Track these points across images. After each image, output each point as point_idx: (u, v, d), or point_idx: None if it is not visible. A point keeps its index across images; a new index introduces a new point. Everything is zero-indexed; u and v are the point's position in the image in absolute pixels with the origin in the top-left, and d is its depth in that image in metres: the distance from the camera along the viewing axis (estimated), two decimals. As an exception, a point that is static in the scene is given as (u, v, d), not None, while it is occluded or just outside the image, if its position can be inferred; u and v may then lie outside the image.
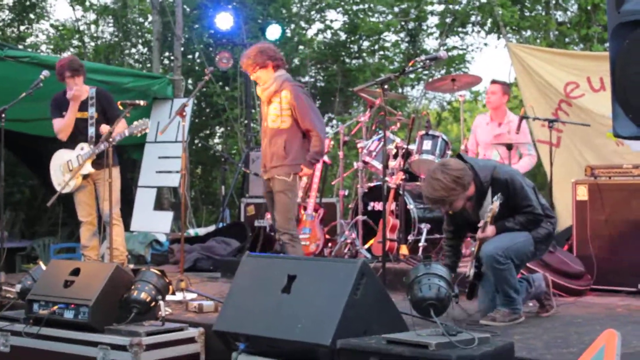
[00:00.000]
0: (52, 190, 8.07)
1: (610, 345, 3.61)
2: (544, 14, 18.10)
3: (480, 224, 5.68)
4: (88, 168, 7.92)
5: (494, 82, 8.86)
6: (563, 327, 5.57)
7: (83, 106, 8.06)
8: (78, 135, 8.08)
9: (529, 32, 18.23)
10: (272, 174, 7.27)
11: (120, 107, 7.58)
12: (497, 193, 5.58)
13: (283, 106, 7.23)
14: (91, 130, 7.99)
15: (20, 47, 19.06)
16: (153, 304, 5.54)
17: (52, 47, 21.43)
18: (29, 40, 21.39)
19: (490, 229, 5.68)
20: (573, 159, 10.15)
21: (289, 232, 7.24)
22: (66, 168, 8.05)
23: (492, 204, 5.50)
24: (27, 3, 20.61)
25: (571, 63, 10.51)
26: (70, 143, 8.10)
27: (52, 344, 5.56)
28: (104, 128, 7.78)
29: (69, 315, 5.51)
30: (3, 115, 7.79)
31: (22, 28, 21.50)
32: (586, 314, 6.19)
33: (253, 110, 14.77)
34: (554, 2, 17.62)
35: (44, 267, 6.27)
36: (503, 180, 5.68)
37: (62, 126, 8.07)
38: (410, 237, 8.41)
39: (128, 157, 12.80)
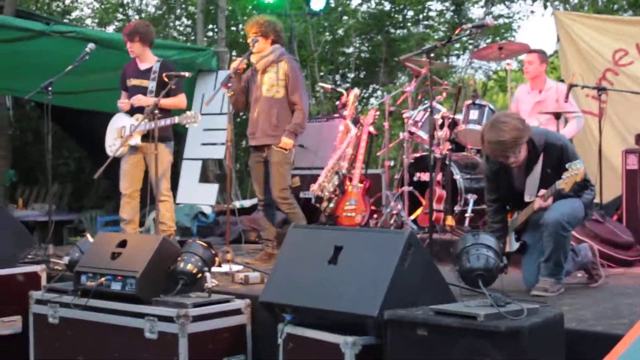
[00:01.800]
0: (99, 162, 8.05)
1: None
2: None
3: (542, 193, 5.56)
4: (136, 140, 7.85)
5: (530, 51, 8.72)
6: (613, 297, 5.49)
7: (145, 75, 8.03)
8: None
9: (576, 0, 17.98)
10: (265, 141, 7.52)
11: (166, 80, 7.54)
12: (552, 159, 5.55)
13: (279, 76, 7.52)
14: None
15: (66, 20, 19.19)
16: (199, 275, 5.54)
17: (97, 21, 21.54)
18: (74, 14, 21.53)
19: (549, 199, 5.57)
20: (615, 130, 9.99)
21: (287, 201, 7.55)
22: (119, 133, 8.02)
23: (574, 169, 5.32)
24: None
25: (620, 29, 10.34)
26: (130, 109, 8.07)
27: (100, 315, 5.60)
28: (142, 100, 7.78)
29: (116, 286, 5.53)
30: (50, 88, 7.83)
31: (67, 2, 21.64)
32: (637, 284, 6.11)
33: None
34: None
35: (91, 239, 6.31)
36: (558, 145, 5.61)
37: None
38: (457, 208, 8.33)
39: (173, 129, 12.83)
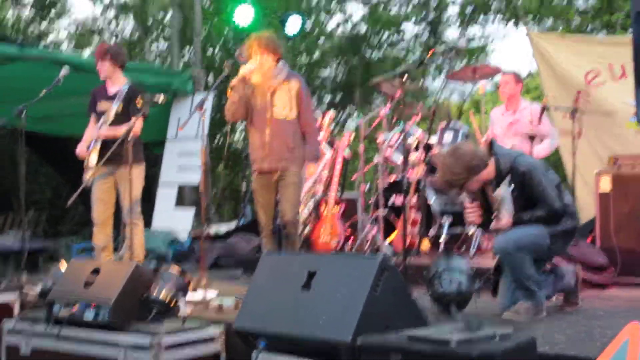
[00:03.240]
0: (75, 188, 7.96)
1: (634, 338, 3.57)
2: (564, 2, 17.98)
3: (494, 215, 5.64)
4: (92, 160, 7.62)
5: (505, 73, 8.79)
6: (586, 320, 5.51)
7: (112, 98, 7.82)
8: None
9: (550, 21, 18.12)
10: (279, 165, 7.04)
11: (137, 102, 7.48)
12: (516, 183, 5.59)
13: (292, 96, 7.05)
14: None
15: (42, 44, 19.16)
16: (173, 302, 5.52)
17: (73, 44, 21.54)
18: (50, 38, 21.51)
19: (505, 221, 5.63)
20: (592, 150, 10.04)
21: (297, 225, 7.18)
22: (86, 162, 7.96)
23: (498, 191, 5.45)
24: (47, 1, 20.72)
25: (592, 50, 10.42)
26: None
27: (73, 345, 5.53)
28: (104, 130, 7.65)
29: (89, 315, 5.48)
30: (24, 113, 7.76)
31: (43, 25, 21.62)
32: (609, 307, 6.14)
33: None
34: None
35: (64, 267, 6.26)
36: (521, 171, 5.63)
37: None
38: (432, 232, 8.35)
39: (149, 152, 12.80)
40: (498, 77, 9.18)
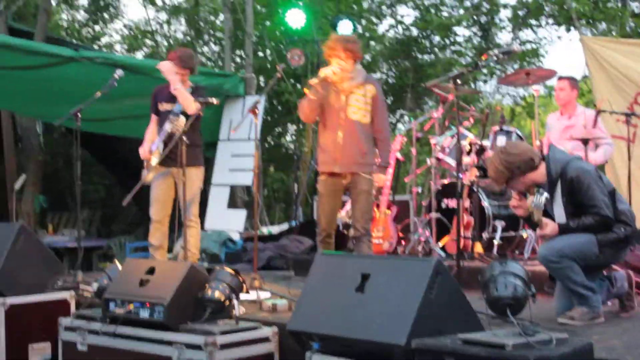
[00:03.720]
0: (128, 188, 8.05)
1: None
2: (619, 5, 17.77)
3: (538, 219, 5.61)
4: (154, 161, 7.78)
5: (561, 78, 8.70)
6: (643, 326, 5.45)
7: (174, 98, 7.88)
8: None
9: (603, 25, 17.92)
10: (351, 169, 6.99)
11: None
12: (566, 188, 5.55)
13: (367, 100, 7.00)
14: (167, 124, 7.88)
15: (95, 47, 19.41)
16: (227, 302, 5.55)
17: (126, 46, 21.77)
18: (103, 40, 21.76)
19: (550, 228, 5.56)
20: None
21: (369, 232, 7.10)
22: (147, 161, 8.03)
23: (533, 198, 5.42)
24: (102, 3, 20.98)
25: (648, 53, 10.31)
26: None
27: (128, 343, 5.60)
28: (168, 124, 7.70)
29: (144, 314, 5.54)
30: (79, 115, 7.88)
31: (96, 28, 21.88)
32: (667, 313, 6.05)
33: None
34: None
35: (119, 266, 6.33)
36: (569, 176, 5.56)
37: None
38: (485, 235, 8.31)
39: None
40: (551, 81, 9.08)
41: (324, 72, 6.90)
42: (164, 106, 8.00)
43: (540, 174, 5.64)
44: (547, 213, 5.74)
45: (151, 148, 7.87)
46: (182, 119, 7.58)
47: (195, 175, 7.84)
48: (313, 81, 6.93)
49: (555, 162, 5.65)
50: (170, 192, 8.03)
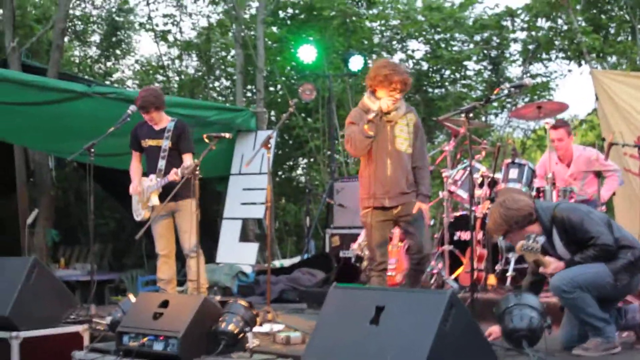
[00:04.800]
0: (139, 222, 8.12)
1: None
2: (629, 38, 17.81)
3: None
4: (154, 201, 7.93)
5: (554, 127, 8.70)
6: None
7: (160, 134, 8.09)
8: (152, 163, 8.12)
9: (613, 58, 17.96)
10: (400, 201, 6.85)
11: (206, 140, 7.53)
12: (560, 231, 5.65)
13: (410, 129, 6.90)
14: (161, 163, 8.00)
15: (107, 82, 19.53)
16: (241, 335, 5.56)
17: (137, 82, 21.89)
18: (115, 76, 21.88)
19: (554, 265, 5.64)
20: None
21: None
22: (141, 197, 8.13)
23: (524, 242, 5.51)
24: (114, 39, 21.11)
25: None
26: (148, 171, 8.18)
27: (142, 375, 5.61)
28: (173, 175, 7.66)
29: (158, 347, 5.55)
30: (92, 150, 7.94)
31: (108, 64, 22.02)
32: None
33: (336, 141, 14.81)
34: (639, 27, 17.25)
35: (133, 299, 6.35)
36: (560, 218, 5.69)
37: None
38: (498, 267, 8.30)
39: (213, 189, 12.94)
40: (562, 114, 9.08)
41: (379, 105, 6.73)
42: (147, 142, 8.21)
43: (538, 226, 5.76)
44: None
45: (144, 186, 8.08)
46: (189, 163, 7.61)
47: (192, 206, 7.81)
48: (372, 116, 6.69)
49: (544, 210, 5.79)
50: (171, 227, 8.17)
